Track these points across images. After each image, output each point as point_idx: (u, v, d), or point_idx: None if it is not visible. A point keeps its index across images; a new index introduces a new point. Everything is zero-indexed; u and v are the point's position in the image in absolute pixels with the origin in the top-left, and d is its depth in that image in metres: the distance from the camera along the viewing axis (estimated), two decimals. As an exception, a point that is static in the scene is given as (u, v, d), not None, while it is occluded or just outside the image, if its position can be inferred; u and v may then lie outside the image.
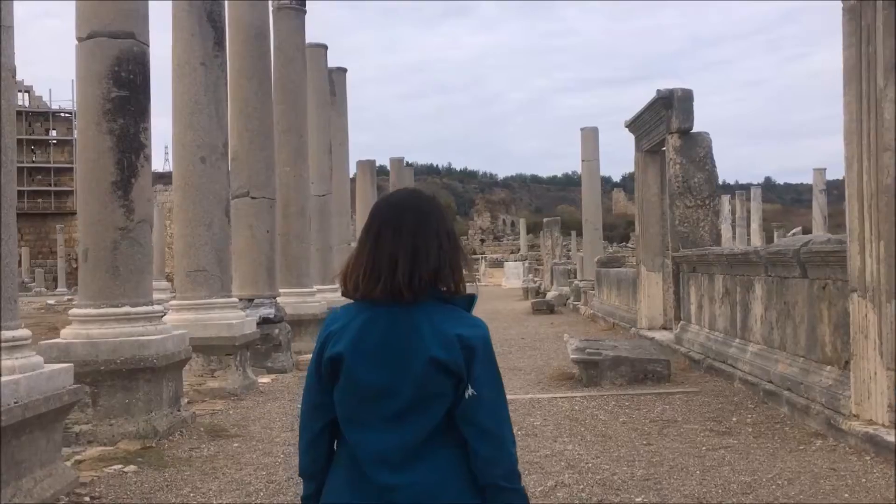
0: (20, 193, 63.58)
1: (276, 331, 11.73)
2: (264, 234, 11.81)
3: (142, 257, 7.25)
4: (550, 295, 27.01)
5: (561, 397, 8.89)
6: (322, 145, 16.69)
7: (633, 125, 14.72)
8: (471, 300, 2.11)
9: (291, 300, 13.97)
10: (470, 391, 1.96)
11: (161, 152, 71.78)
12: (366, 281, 2.03)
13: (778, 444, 6.58)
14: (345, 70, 19.22)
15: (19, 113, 66.30)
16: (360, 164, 25.16)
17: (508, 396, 2.17)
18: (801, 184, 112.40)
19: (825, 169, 27.88)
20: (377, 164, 26.19)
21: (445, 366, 1.95)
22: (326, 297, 16.00)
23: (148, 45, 7.50)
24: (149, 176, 7.47)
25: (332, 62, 18.62)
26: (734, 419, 7.60)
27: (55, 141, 63.03)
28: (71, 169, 61.05)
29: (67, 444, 6.30)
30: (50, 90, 62.57)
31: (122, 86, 7.19)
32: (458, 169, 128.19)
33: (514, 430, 2.10)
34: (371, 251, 2.04)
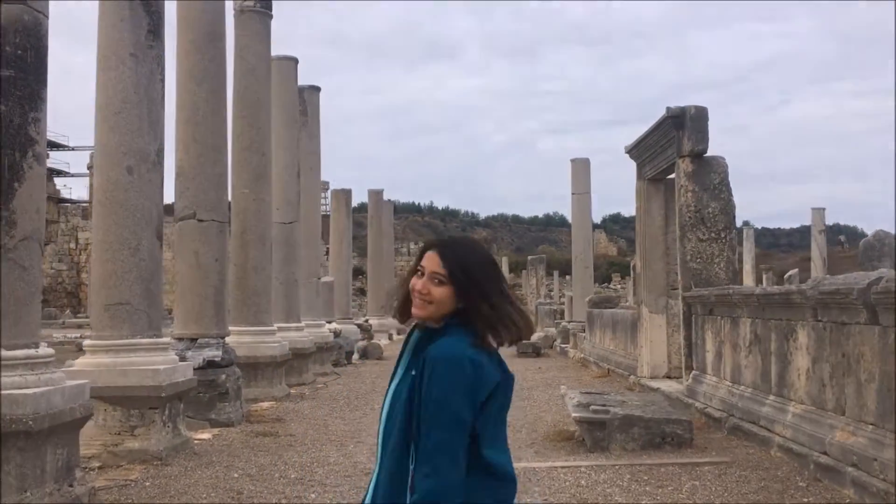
0: None
1: (223, 376, 9.97)
2: (212, 263, 10.11)
3: (25, 285, 5.55)
4: (535, 336, 25.31)
5: (562, 467, 7.20)
6: (289, 168, 15.08)
7: (636, 150, 13.24)
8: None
9: (246, 340, 12.25)
10: None
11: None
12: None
13: (861, 547, 4.93)
14: (318, 89, 17.69)
15: None
16: (335, 193, 23.55)
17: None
18: (779, 228, 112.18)
19: (824, 209, 26.62)
20: (357, 202, 24.72)
21: None
22: (290, 336, 14.27)
23: (46, 17, 5.88)
24: (40, 182, 5.80)
25: (317, 95, 17.13)
26: (787, 504, 5.95)
27: (24, 169, 61.06)
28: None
29: None
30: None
31: (7, 62, 5.55)
32: (439, 207, 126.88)
33: None
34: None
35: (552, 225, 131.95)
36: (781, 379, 7.82)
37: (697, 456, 7.53)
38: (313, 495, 6.28)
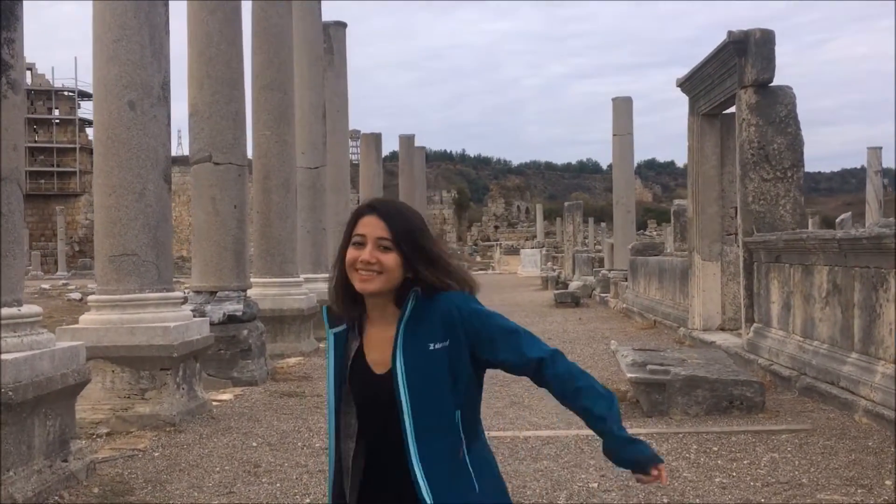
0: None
1: (245, 332, 9.28)
2: (231, 210, 9.34)
3: (4, 234, 4.79)
4: (573, 285, 24.43)
5: (618, 435, 6.38)
6: (314, 109, 14.19)
7: (689, 83, 12.13)
8: None
9: (271, 292, 11.55)
10: None
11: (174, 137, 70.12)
12: None
13: None
14: (344, 25, 16.67)
15: (21, 91, 64.61)
16: (365, 137, 22.60)
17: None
18: (819, 172, 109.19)
19: (881, 148, 25.03)
20: (388, 151, 23.78)
21: None
22: (318, 287, 13.54)
23: (18, -82, 5.01)
24: (18, 113, 5.00)
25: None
26: (888, 482, 5.09)
27: (58, 120, 61.37)
28: (74, 149, 59.36)
29: None
30: (52, 68, 60.20)
31: (-29, -27, 4.72)
32: (471, 155, 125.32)
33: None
34: None
35: (585, 171, 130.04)
36: (867, 335, 6.89)
37: (772, 422, 6.67)
38: (339, 469, 5.54)
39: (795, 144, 9.89)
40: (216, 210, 9.29)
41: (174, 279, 7.88)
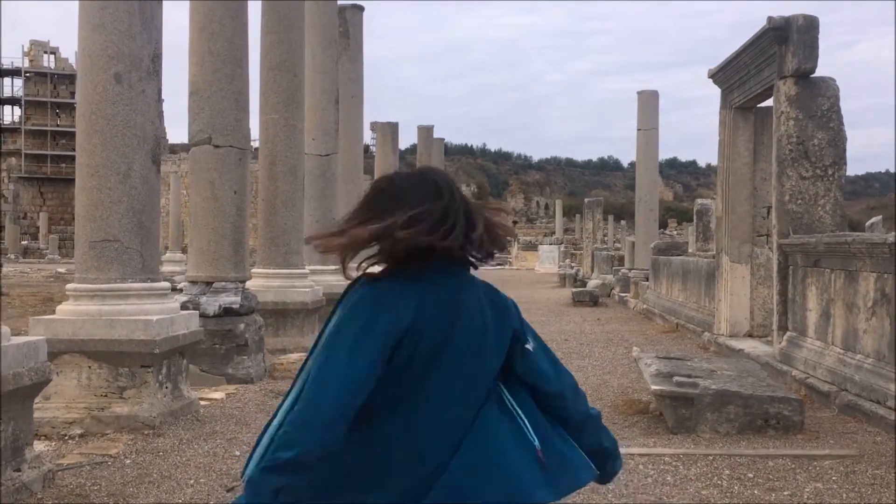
0: (44, 157, 62.41)
1: (242, 326, 8.72)
2: (230, 195, 8.77)
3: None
4: (592, 284, 23.74)
5: (641, 455, 5.75)
6: (327, 94, 13.59)
7: (722, 73, 11.43)
8: None
9: (274, 284, 10.98)
10: None
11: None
12: None
13: None
14: (361, 8, 16.04)
15: (43, 75, 64.50)
16: (381, 126, 21.97)
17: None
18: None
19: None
20: (408, 143, 23.08)
21: None
22: (327, 279, 12.97)
23: None
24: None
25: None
26: (953, 525, 4.43)
27: (80, 104, 61.18)
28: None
29: None
30: (75, 52, 60.19)
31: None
32: (492, 150, 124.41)
33: None
34: None
35: (606, 169, 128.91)
36: (920, 350, 6.21)
37: (812, 445, 6.01)
38: (327, 487, 4.95)
39: (838, 140, 9.18)
40: (214, 195, 8.72)
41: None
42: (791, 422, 6.29)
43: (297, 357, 10.28)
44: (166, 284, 6.88)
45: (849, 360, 7.42)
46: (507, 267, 47.35)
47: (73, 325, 6.29)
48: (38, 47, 66.28)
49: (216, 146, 8.72)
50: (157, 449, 5.75)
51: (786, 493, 4.96)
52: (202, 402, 7.27)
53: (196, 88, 8.82)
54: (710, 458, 5.68)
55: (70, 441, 5.98)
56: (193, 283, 8.79)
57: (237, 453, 5.68)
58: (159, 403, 6.41)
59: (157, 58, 6.69)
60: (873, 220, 28.43)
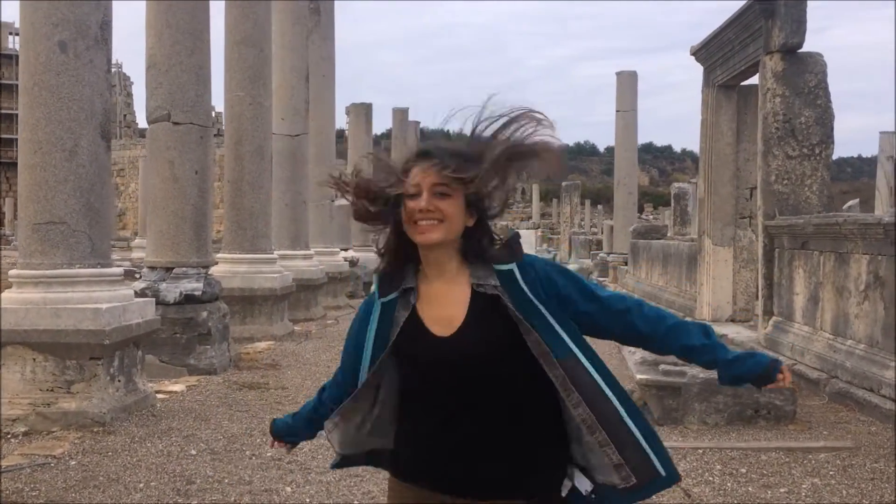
0: (9, 141, 60.81)
1: (205, 314, 8.26)
2: (191, 176, 8.29)
3: None
4: (569, 268, 23.47)
5: (626, 449, 5.40)
6: (297, 72, 13.09)
7: (705, 50, 11.08)
8: None
9: (241, 269, 10.55)
10: None
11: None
12: None
13: None
14: (333, -17, 15.51)
15: (8, 56, 62.77)
16: (354, 107, 21.42)
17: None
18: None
19: (894, 132, 23.95)
20: (385, 128, 22.60)
21: None
22: (296, 265, 12.55)
23: None
24: None
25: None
26: (963, 524, 4.12)
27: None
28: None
29: None
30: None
31: None
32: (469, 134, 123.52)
33: None
34: None
35: (583, 154, 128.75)
36: (918, 336, 5.92)
37: (806, 436, 5.70)
38: (288, 489, 4.55)
39: (825, 118, 8.86)
40: (174, 176, 8.24)
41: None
42: (783, 412, 5.97)
43: (264, 346, 9.86)
44: (118, 270, 6.42)
45: (839, 346, 7.13)
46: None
47: (16, 314, 5.81)
48: (5, 28, 64.67)
49: (176, 123, 8.23)
50: (106, 448, 5.31)
51: (782, 489, 4.64)
52: (160, 396, 6.83)
53: (154, 62, 8.32)
54: (700, 451, 5.34)
55: (13, 440, 5.53)
56: (153, 268, 8.32)
57: (193, 452, 5.26)
58: (111, 398, 5.96)
59: (106, 25, 6.20)
60: (850, 203, 28.34)
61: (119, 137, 52.67)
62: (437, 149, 1.87)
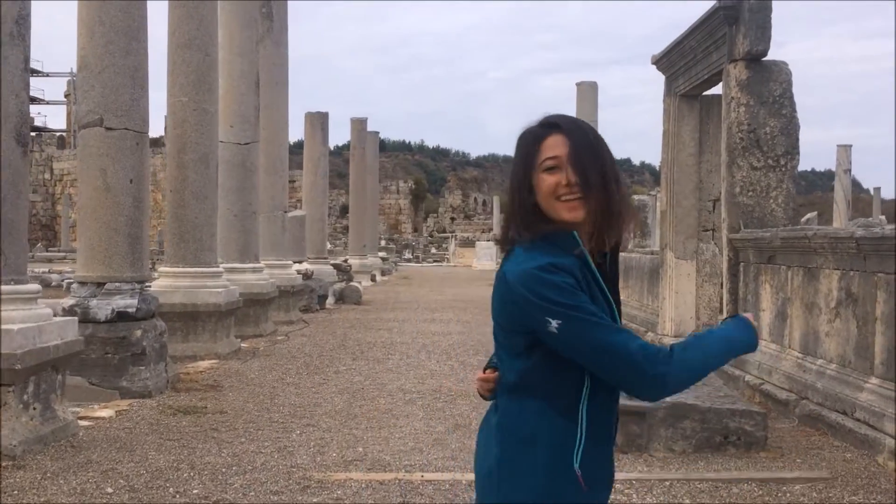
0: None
1: (139, 332, 7.69)
2: (126, 185, 7.74)
3: None
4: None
5: (588, 481, 4.98)
6: (246, 77, 12.56)
7: (666, 59, 10.81)
8: None
9: (183, 283, 9.99)
10: None
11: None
12: None
13: None
14: (286, -12, 15.03)
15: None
16: (310, 116, 20.89)
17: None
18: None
19: (851, 146, 24.08)
20: (345, 140, 22.11)
21: None
22: (244, 279, 12.00)
23: None
24: None
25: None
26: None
27: None
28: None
29: None
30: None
31: None
32: (430, 146, 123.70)
33: None
34: None
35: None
36: (893, 355, 5.60)
37: (779, 465, 5.33)
38: (213, 535, 4.05)
39: (791, 129, 8.60)
40: (107, 185, 7.68)
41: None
42: (753, 438, 5.61)
43: (206, 365, 9.31)
44: (35, 287, 5.86)
45: (809, 366, 6.81)
46: (444, 264, 46.70)
47: (-85, 336, 5.23)
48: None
49: (109, 128, 7.68)
50: (11, 486, 4.75)
51: (757, 528, 4.26)
52: (84, 423, 6.27)
53: (85, 63, 7.77)
54: (667, 483, 4.95)
55: None
56: (83, 283, 7.74)
57: (109, 490, 4.72)
58: (23, 429, 5.40)
59: (22, 19, 5.67)
60: (808, 215, 28.48)
61: (73, 146, 51.58)
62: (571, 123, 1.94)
